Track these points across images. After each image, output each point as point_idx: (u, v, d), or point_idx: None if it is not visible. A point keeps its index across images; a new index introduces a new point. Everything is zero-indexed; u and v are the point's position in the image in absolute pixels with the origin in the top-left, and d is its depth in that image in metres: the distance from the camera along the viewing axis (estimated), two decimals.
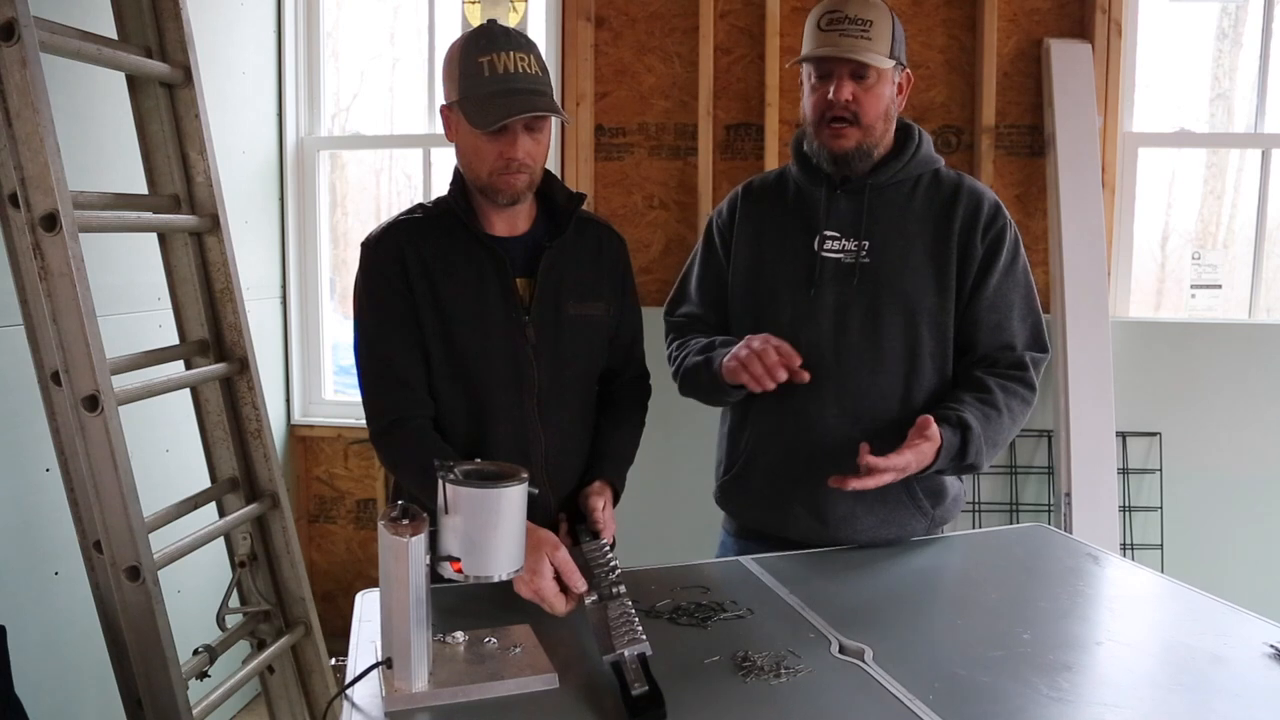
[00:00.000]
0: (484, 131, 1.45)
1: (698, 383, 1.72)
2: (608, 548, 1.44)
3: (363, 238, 1.62)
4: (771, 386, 1.56)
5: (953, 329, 1.68)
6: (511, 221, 1.59)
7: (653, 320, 1.88)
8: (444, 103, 1.54)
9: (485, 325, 1.55)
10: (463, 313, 1.54)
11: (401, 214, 1.63)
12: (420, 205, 1.64)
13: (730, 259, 1.78)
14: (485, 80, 1.45)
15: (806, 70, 1.67)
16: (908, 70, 1.69)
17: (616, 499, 1.62)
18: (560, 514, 1.56)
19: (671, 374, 1.80)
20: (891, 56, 1.61)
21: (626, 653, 1.15)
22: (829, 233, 1.69)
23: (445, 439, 1.56)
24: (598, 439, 1.68)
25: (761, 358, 1.55)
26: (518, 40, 1.48)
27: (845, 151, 1.64)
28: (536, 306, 1.57)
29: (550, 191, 1.63)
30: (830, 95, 1.61)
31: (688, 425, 2.20)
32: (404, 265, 1.55)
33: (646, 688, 1.09)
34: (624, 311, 1.70)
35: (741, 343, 1.61)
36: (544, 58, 1.53)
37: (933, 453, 1.54)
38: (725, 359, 1.62)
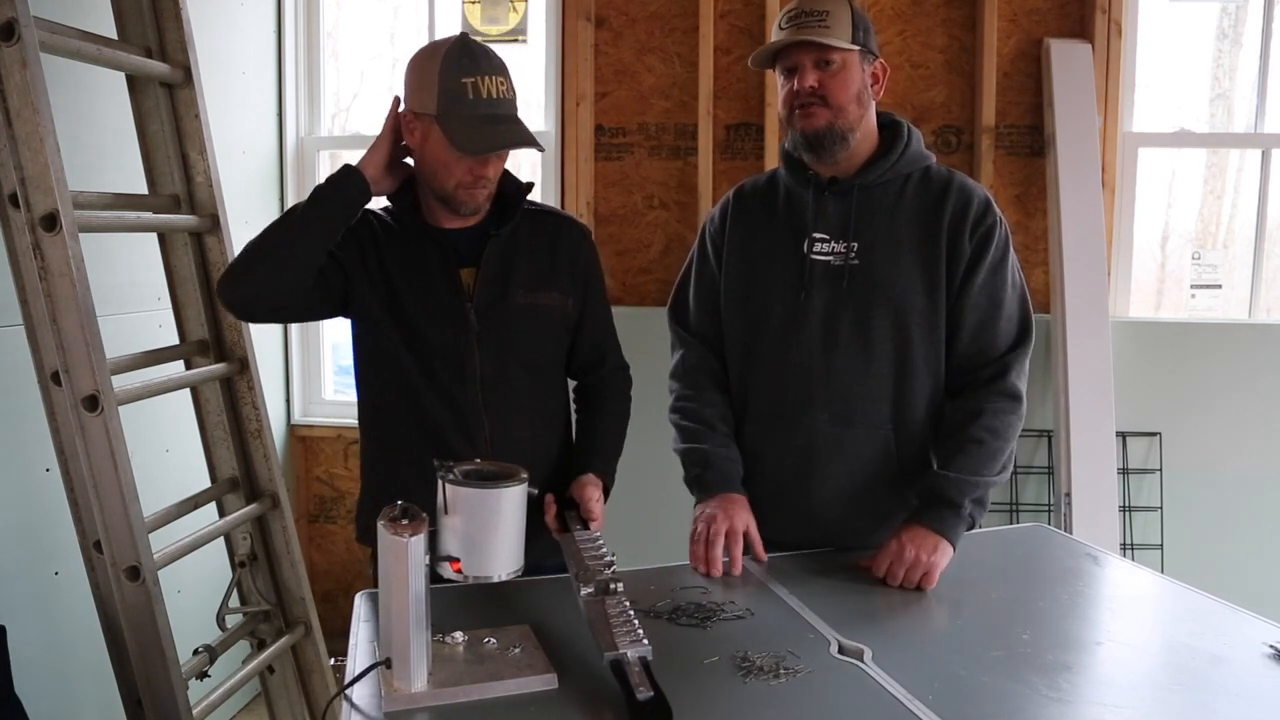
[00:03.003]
0: (466, 155, 1.51)
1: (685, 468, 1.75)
2: (600, 540, 1.44)
3: None
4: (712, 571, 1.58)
5: (944, 329, 1.67)
6: (462, 215, 1.63)
7: (654, 319, 1.88)
8: (411, 110, 1.56)
9: (427, 312, 1.60)
10: (407, 299, 1.61)
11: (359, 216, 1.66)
12: (372, 211, 1.67)
13: (722, 266, 1.78)
14: (468, 103, 1.50)
15: (778, 72, 1.68)
16: (881, 61, 1.68)
17: (606, 493, 1.63)
18: (549, 495, 1.56)
19: (670, 418, 1.79)
20: (855, 43, 1.61)
21: (629, 653, 1.15)
22: (818, 235, 1.68)
23: (397, 423, 1.63)
24: (583, 434, 1.71)
25: (709, 548, 1.58)
26: (496, 63, 1.54)
27: (817, 130, 1.63)
28: (480, 294, 1.61)
29: (502, 184, 1.66)
30: (796, 86, 1.62)
31: None
32: (362, 240, 1.62)
33: (652, 693, 1.09)
34: (588, 304, 1.72)
35: (706, 512, 1.63)
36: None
37: (926, 542, 1.54)
38: (695, 508, 1.67)
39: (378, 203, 1.65)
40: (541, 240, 1.68)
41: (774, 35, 1.66)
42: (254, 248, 1.54)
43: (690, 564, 1.61)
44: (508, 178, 1.68)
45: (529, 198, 1.69)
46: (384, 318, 1.61)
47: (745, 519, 1.62)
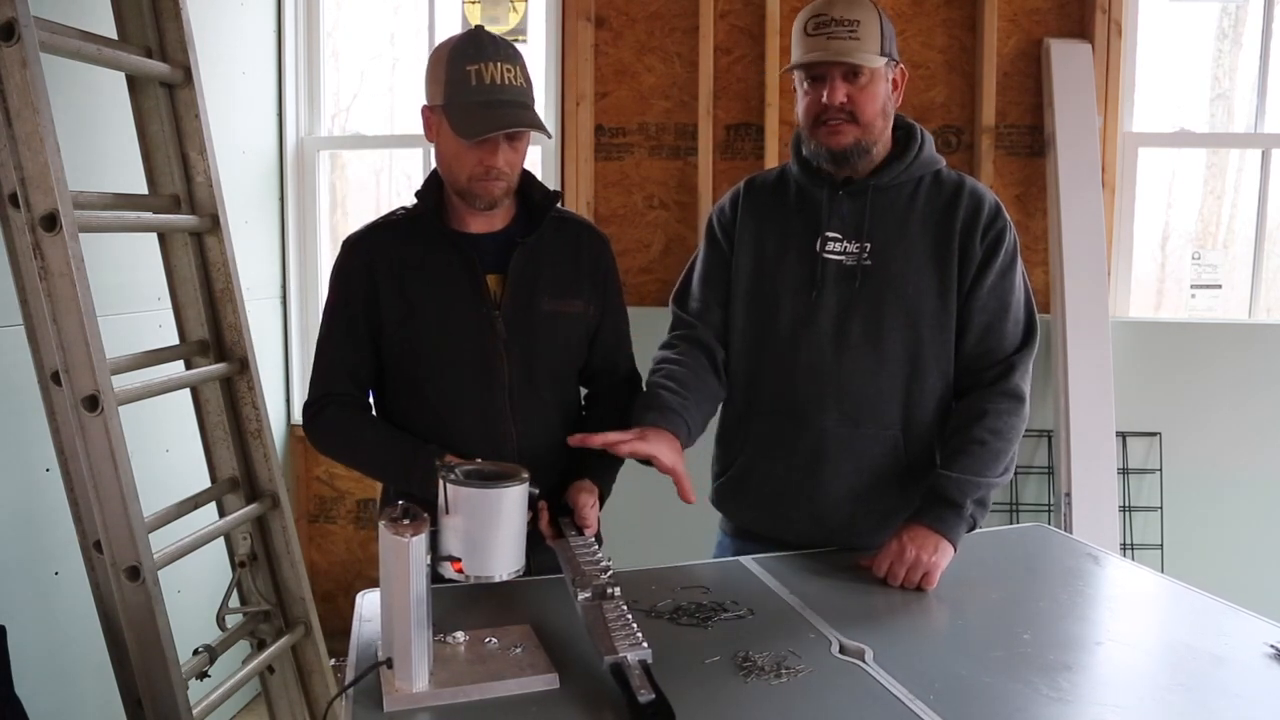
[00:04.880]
0: (468, 141, 1.49)
1: None
2: (595, 545, 1.43)
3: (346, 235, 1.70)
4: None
5: (954, 330, 1.67)
6: (487, 219, 1.63)
7: (654, 319, 1.88)
8: (426, 104, 1.57)
9: (452, 321, 1.59)
10: (430, 309, 1.59)
11: (383, 216, 1.69)
12: (402, 207, 1.69)
13: (734, 254, 1.77)
14: (472, 89, 1.48)
15: (799, 75, 1.66)
16: (901, 67, 1.68)
17: (603, 500, 1.62)
18: (542, 502, 1.54)
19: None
20: (883, 53, 1.60)
21: (629, 657, 1.14)
22: (831, 234, 1.68)
23: (422, 432, 1.59)
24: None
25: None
26: (505, 50, 1.51)
27: (844, 148, 1.63)
28: (508, 302, 1.59)
29: (528, 189, 1.66)
30: (825, 99, 1.61)
31: None
32: (372, 267, 1.61)
33: (654, 695, 1.09)
34: (606, 311, 1.71)
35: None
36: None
37: (927, 542, 1.53)
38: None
39: (397, 200, 1.63)
40: (564, 247, 1.66)
41: (797, 36, 1.64)
42: (334, 447, 1.67)
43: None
44: (535, 185, 1.66)
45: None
46: (406, 327, 1.59)
47: (668, 451, 1.53)
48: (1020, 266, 1.70)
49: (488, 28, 1.55)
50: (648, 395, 1.65)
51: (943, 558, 1.53)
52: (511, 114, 1.49)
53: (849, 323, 1.66)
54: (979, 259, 1.65)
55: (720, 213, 1.81)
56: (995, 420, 1.61)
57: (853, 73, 1.59)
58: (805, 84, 1.65)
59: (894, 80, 1.66)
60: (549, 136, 1.58)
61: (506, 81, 1.49)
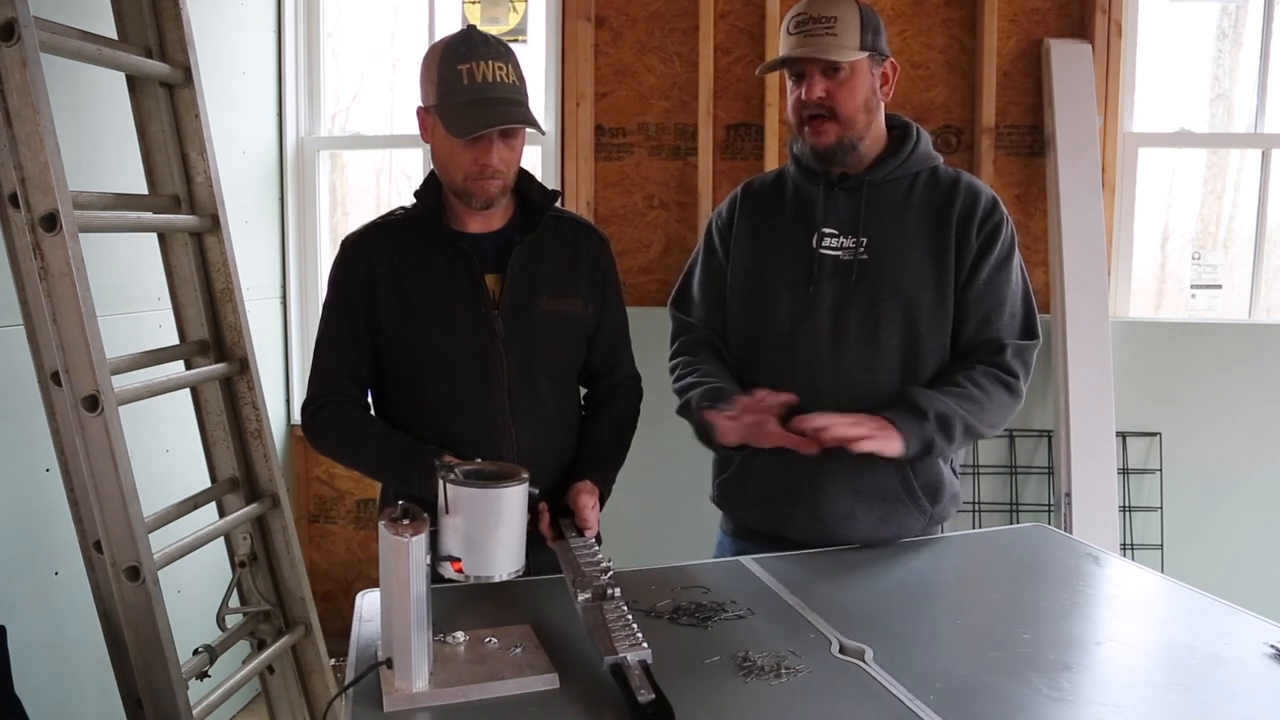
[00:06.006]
0: (460, 139, 1.49)
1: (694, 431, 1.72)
2: (596, 546, 1.43)
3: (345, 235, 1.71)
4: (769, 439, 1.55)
5: (951, 324, 1.67)
6: (486, 219, 1.63)
7: (654, 319, 1.88)
8: (421, 105, 1.57)
9: (452, 320, 1.59)
10: (429, 309, 1.59)
11: (381, 215, 1.70)
12: (401, 207, 1.69)
13: (730, 258, 1.78)
14: (463, 88, 1.48)
15: (786, 78, 1.68)
16: (892, 60, 1.68)
17: (603, 501, 1.62)
18: (543, 504, 1.54)
19: (673, 388, 1.78)
20: (864, 48, 1.61)
21: (629, 657, 1.14)
22: (827, 230, 1.69)
23: (421, 432, 1.59)
24: (585, 441, 1.69)
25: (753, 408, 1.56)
26: (497, 49, 1.51)
27: (826, 146, 1.64)
28: (507, 302, 1.59)
29: (527, 189, 1.66)
30: (804, 95, 1.62)
31: (683, 424, 2.20)
32: (370, 267, 1.61)
33: (654, 696, 1.09)
34: (605, 311, 1.71)
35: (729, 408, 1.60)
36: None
37: (875, 422, 1.52)
38: (716, 418, 1.61)
39: (397, 200, 1.64)
40: (563, 247, 1.67)
41: (781, 38, 1.66)
42: (332, 446, 1.67)
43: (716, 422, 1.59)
44: (534, 184, 1.67)
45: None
46: (404, 327, 1.60)
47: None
48: (1018, 261, 1.70)
49: (489, 28, 1.55)
50: (715, 390, 1.66)
51: (885, 442, 1.50)
52: (503, 111, 1.49)
53: (846, 317, 1.66)
54: (975, 251, 1.65)
55: (718, 217, 1.83)
56: (982, 379, 1.62)
57: (831, 68, 1.61)
58: (790, 82, 1.67)
59: (883, 74, 1.67)
60: (543, 133, 1.59)
61: (498, 79, 1.49)
